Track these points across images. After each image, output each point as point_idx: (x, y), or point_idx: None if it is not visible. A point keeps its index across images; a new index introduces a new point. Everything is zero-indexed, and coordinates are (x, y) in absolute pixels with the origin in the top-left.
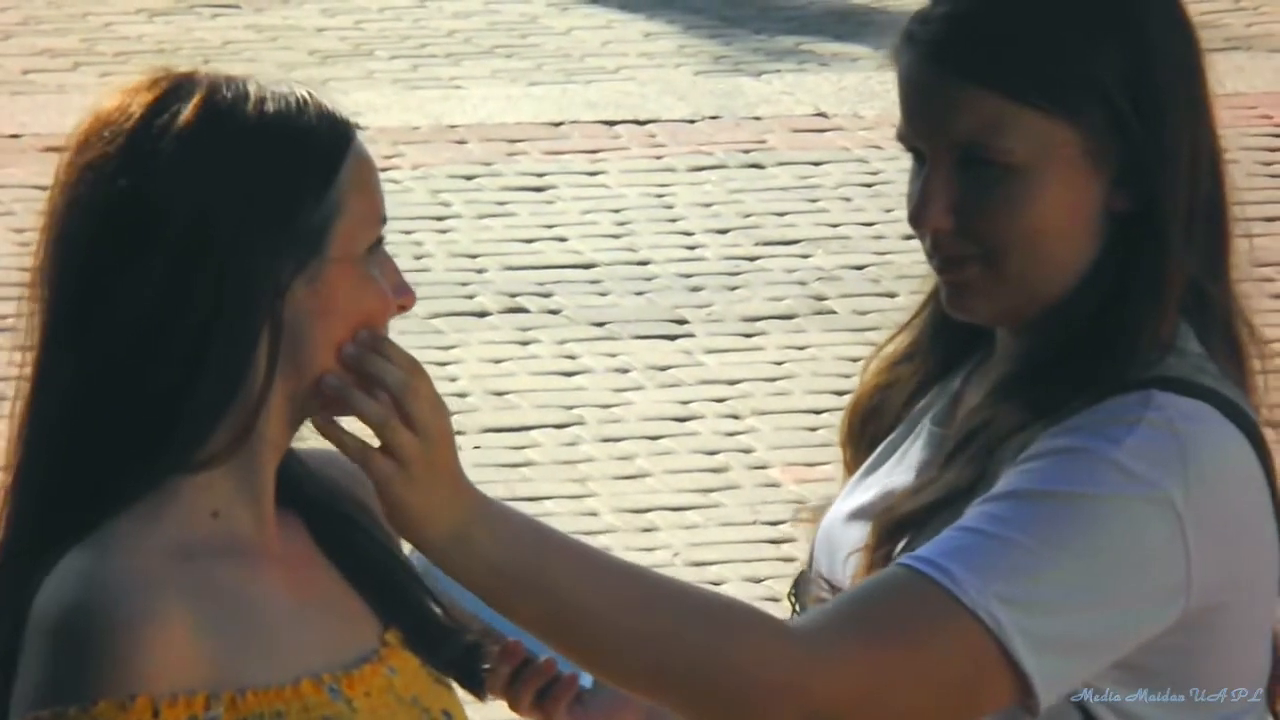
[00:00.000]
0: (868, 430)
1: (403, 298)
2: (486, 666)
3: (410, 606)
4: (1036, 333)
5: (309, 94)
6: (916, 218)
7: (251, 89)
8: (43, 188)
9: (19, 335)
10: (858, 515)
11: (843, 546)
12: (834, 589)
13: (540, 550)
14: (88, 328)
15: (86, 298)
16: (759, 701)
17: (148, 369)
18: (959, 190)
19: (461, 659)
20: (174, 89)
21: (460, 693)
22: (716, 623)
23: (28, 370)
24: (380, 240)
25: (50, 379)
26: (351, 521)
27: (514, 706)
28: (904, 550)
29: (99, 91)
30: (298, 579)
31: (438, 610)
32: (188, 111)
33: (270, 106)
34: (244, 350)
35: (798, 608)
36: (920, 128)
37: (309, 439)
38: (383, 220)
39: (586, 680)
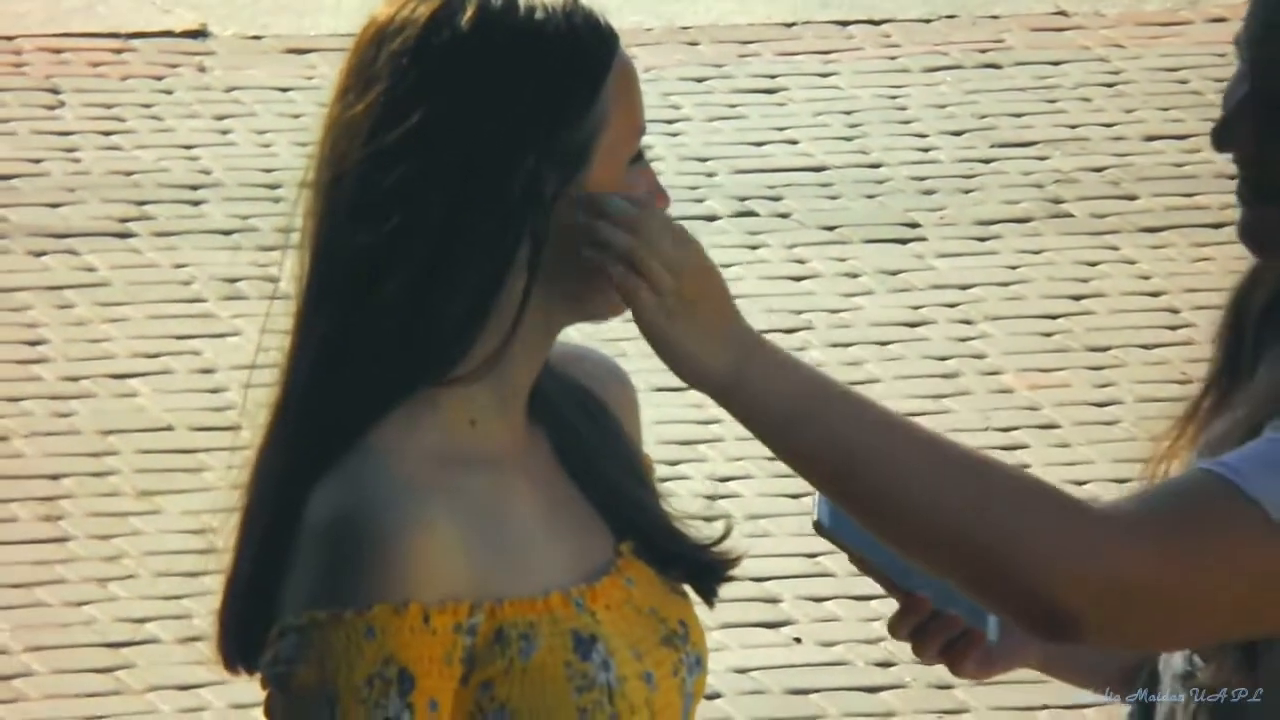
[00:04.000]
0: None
1: (661, 200)
2: (724, 575)
3: (640, 518)
4: None
5: (575, 2)
6: (1216, 136)
7: None
8: (284, 89)
9: (263, 236)
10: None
11: None
12: None
13: (824, 392)
14: (356, 232)
15: (359, 202)
16: (1050, 577)
17: (410, 273)
18: (1269, 124)
19: (694, 568)
20: None
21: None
22: (1019, 496)
23: (270, 270)
24: (640, 152)
25: (318, 286)
26: (588, 429)
27: (919, 654)
28: None
29: None
30: (543, 490)
31: (671, 525)
32: (464, 20)
33: (540, 15)
34: (504, 258)
35: None
36: (1248, 52)
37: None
38: (642, 130)
39: (992, 634)
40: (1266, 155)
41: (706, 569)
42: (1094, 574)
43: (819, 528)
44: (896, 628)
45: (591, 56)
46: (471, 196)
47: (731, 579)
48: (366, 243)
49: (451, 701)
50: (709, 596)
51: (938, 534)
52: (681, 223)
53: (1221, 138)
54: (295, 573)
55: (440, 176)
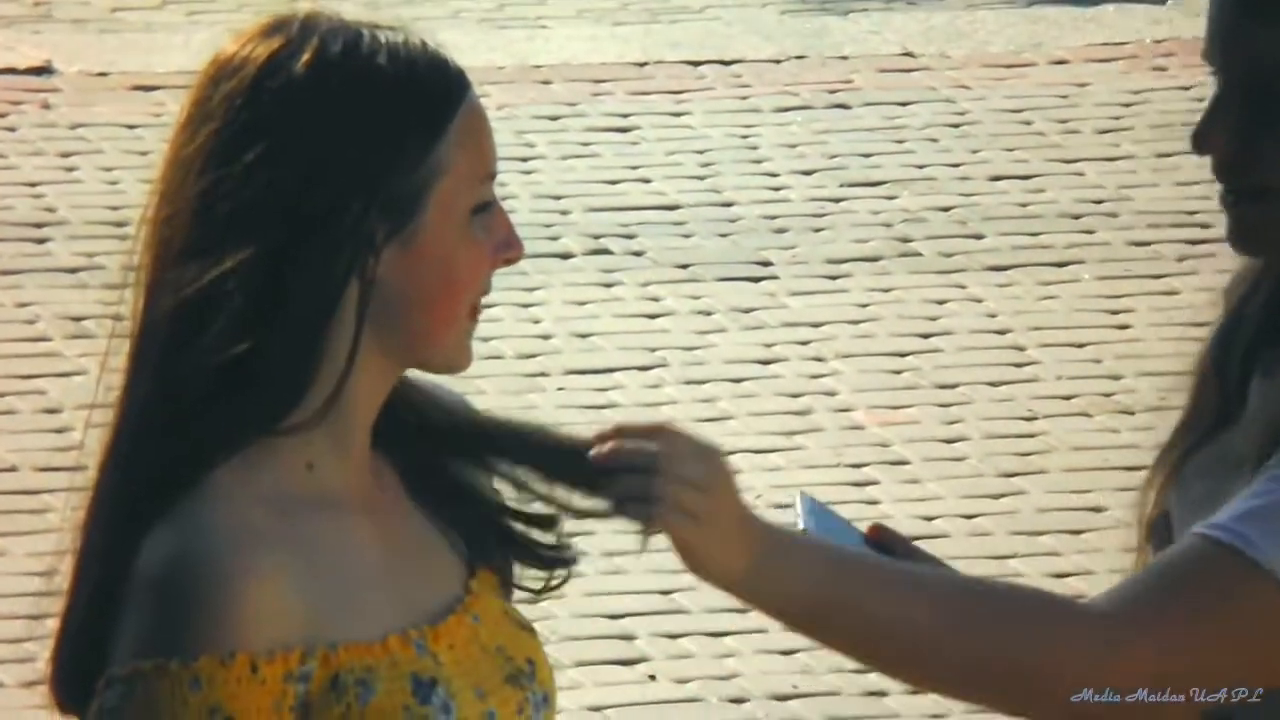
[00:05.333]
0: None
1: (508, 252)
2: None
3: (483, 509)
4: None
5: (423, 44)
6: (1196, 139)
7: (365, 40)
8: (131, 126)
9: (109, 274)
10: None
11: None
12: None
13: (839, 572)
14: (186, 270)
15: (189, 240)
16: (1071, 683)
17: (236, 314)
18: (1245, 122)
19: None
20: (291, 37)
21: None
22: (1027, 614)
23: (118, 309)
24: (489, 200)
25: (149, 325)
26: (442, 453)
27: None
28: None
29: (192, 31)
30: (387, 529)
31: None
32: (299, 64)
33: (379, 61)
34: (329, 303)
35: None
36: (1218, 57)
37: None
38: (491, 176)
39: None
40: (1241, 154)
41: (546, 552)
42: (1100, 682)
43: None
44: None
45: (432, 103)
46: (296, 240)
47: (572, 565)
48: (195, 281)
49: None
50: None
51: (966, 676)
52: (536, 260)
53: (1199, 140)
54: (124, 620)
55: (266, 218)
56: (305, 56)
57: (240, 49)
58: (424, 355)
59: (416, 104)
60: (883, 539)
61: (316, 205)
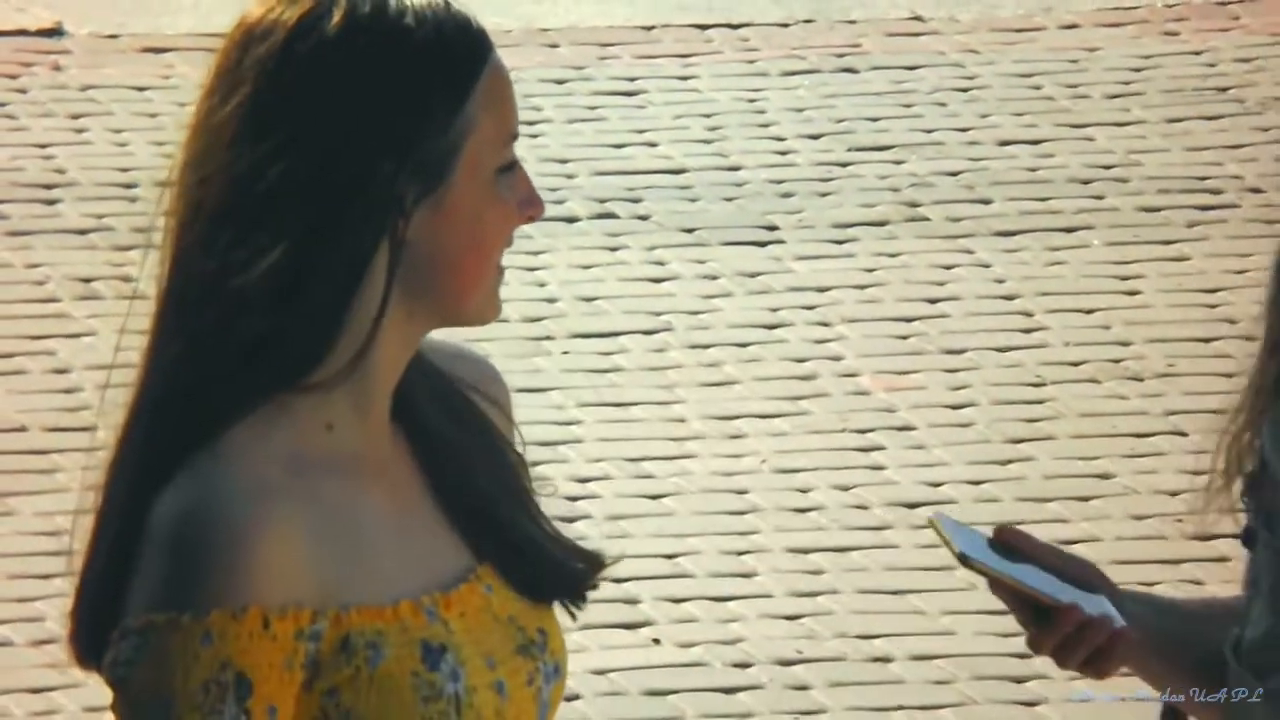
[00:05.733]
0: None
1: (531, 210)
2: (591, 585)
3: (506, 540)
4: None
5: (447, 4)
6: None
7: (392, 2)
8: (140, 88)
9: (118, 236)
10: None
11: None
12: None
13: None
14: (218, 233)
15: (221, 204)
16: None
17: (267, 275)
18: None
19: (558, 587)
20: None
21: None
22: None
23: (126, 270)
24: (513, 160)
25: (177, 287)
26: (459, 438)
27: (1063, 664)
28: None
29: None
30: (401, 496)
31: (538, 544)
32: (329, 26)
33: (407, 22)
34: (360, 264)
35: None
36: None
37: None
38: (514, 137)
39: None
40: None
41: (572, 580)
42: None
43: (964, 560)
44: (1042, 643)
45: (458, 65)
46: (330, 201)
47: (597, 586)
48: (227, 244)
49: (293, 707)
50: (574, 610)
51: None
52: (542, 223)
53: None
54: (139, 574)
55: (300, 180)
56: (335, 19)
57: (269, 12)
58: (454, 313)
59: (444, 65)
60: (1008, 540)
61: (348, 169)
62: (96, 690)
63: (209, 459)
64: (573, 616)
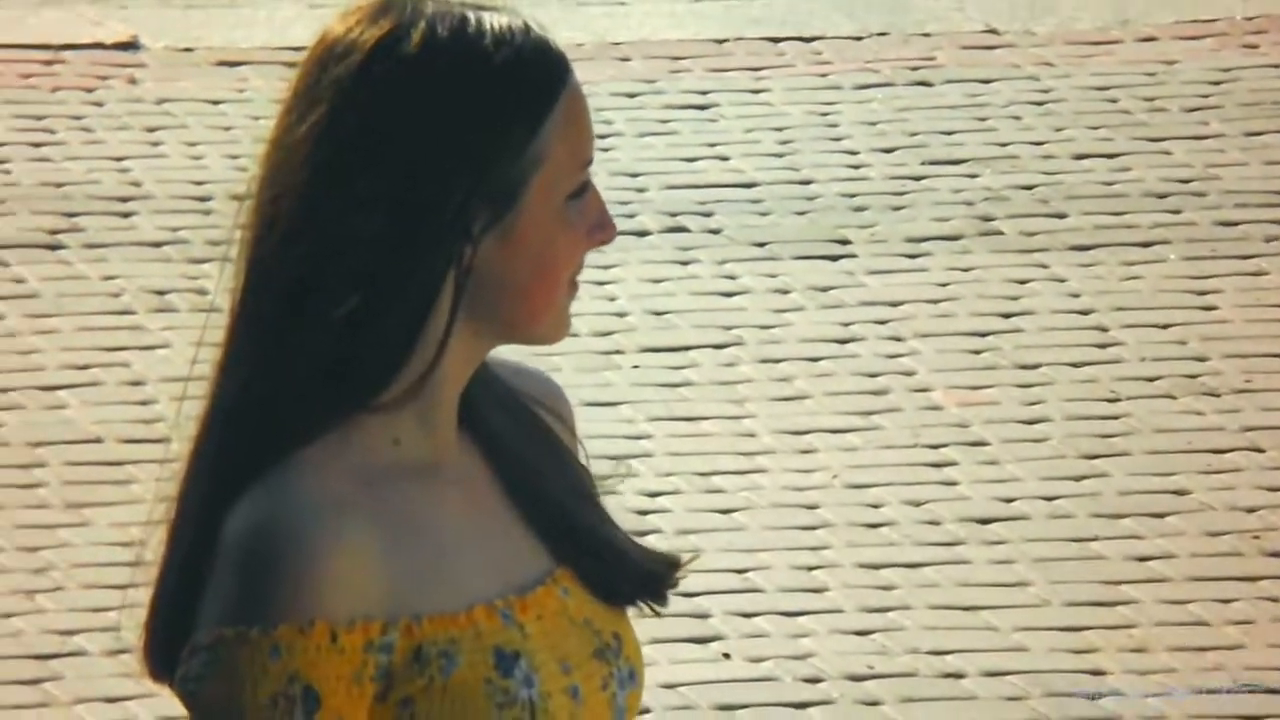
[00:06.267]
0: None
1: (602, 234)
2: (671, 584)
3: (583, 544)
4: None
5: (526, 26)
6: None
7: (472, 23)
8: (215, 101)
9: (192, 248)
10: None
11: None
12: None
13: None
14: (290, 252)
15: (293, 223)
16: None
17: (339, 298)
18: None
19: (638, 588)
20: (400, 20)
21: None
22: None
23: (200, 283)
24: (587, 182)
25: (249, 305)
26: (529, 449)
27: None
28: None
29: (275, 7)
30: (473, 503)
31: (616, 547)
32: (409, 48)
33: (486, 45)
34: (431, 289)
35: None
36: None
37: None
38: (588, 163)
39: None
40: None
41: (652, 580)
42: None
43: None
44: None
45: (536, 88)
46: (399, 229)
47: (676, 585)
48: (299, 264)
49: (364, 719)
50: (655, 609)
51: None
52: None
53: None
54: (210, 589)
55: (373, 203)
56: (414, 40)
57: (348, 31)
58: (522, 335)
59: (522, 89)
60: None
61: (421, 194)
62: (170, 701)
63: (280, 474)
64: (656, 613)
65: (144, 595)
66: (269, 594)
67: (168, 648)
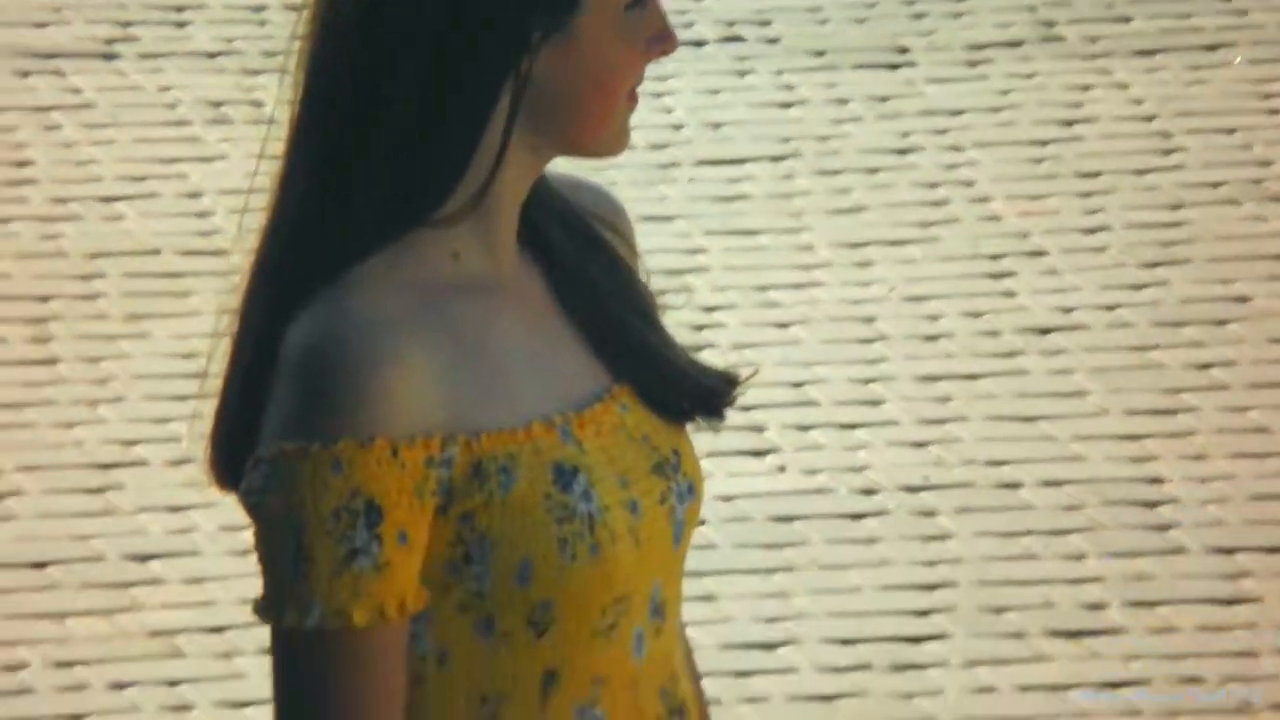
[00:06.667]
0: None
1: (663, 45)
2: (730, 398)
3: (642, 359)
4: None
5: None
6: None
7: None
8: None
9: (247, 59)
10: None
11: None
12: None
13: None
14: (348, 63)
15: (351, 32)
16: None
17: (398, 106)
18: None
19: (698, 403)
20: None
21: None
22: None
23: (256, 95)
24: None
25: (308, 117)
26: (589, 264)
27: None
28: None
29: None
30: (533, 318)
31: (675, 363)
32: None
33: None
34: (488, 98)
35: None
36: None
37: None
38: None
39: None
40: None
41: (711, 396)
42: None
43: None
44: None
45: None
46: (458, 39)
47: (735, 401)
48: (357, 74)
49: (426, 533)
50: (714, 426)
51: None
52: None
53: None
54: (272, 403)
55: (429, 17)
56: None
57: None
58: (580, 147)
59: None
60: None
61: (479, 2)
62: (231, 510)
63: (339, 290)
64: (714, 430)
65: (205, 406)
66: (328, 409)
67: (233, 459)
